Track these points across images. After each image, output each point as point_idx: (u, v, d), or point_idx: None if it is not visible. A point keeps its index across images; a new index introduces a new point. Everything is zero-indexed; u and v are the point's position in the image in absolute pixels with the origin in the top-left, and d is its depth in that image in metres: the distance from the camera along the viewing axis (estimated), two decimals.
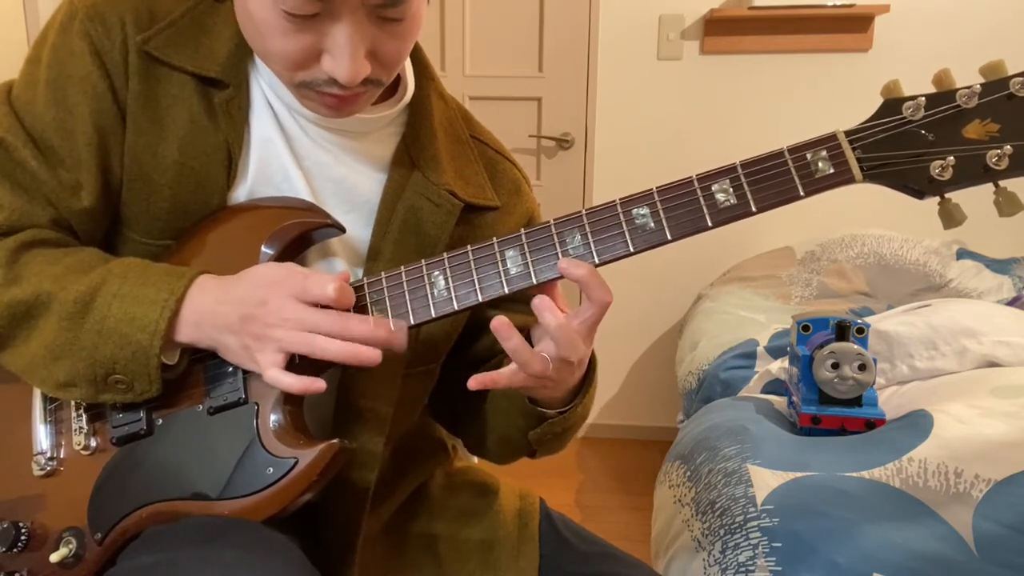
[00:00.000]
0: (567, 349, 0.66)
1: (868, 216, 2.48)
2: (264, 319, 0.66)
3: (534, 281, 0.67)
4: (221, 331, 0.67)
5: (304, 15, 0.63)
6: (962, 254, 2.35)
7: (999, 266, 2.30)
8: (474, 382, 0.69)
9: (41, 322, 0.68)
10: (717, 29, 2.49)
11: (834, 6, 2.36)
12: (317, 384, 0.66)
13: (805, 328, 1.32)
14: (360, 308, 0.70)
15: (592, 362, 0.77)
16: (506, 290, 0.68)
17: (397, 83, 0.81)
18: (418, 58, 0.82)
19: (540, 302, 0.66)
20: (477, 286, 0.68)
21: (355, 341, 0.66)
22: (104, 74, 0.71)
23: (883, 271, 2.29)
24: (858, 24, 2.44)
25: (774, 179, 0.63)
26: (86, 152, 0.71)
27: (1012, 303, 1.91)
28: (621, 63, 2.56)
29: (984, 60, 0.62)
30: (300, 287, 0.67)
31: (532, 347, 0.68)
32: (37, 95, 0.72)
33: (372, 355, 0.66)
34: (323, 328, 0.66)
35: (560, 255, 0.67)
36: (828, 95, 2.50)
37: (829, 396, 1.22)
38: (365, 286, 0.70)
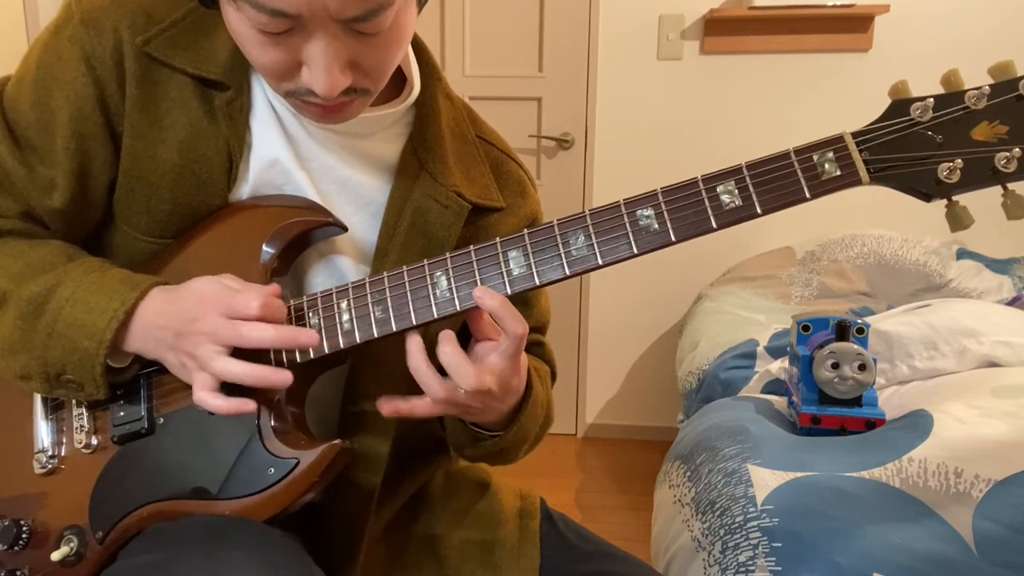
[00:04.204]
0: (460, 379, 0.66)
1: (868, 216, 2.48)
2: (193, 337, 0.66)
3: (537, 282, 0.67)
4: (160, 346, 0.68)
5: (277, 32, 0.62)
6: (962, 254, 2.35)
7: (999, 266, 2.30)
8: (387, 408, 0.69)
9: None
10: (717, 29, 2.49)
11: (834, 6, 2.36)
12: (246, 405, 0.66)
13: (805, 328, 1.32)
14: (362, 307, 0.70)
15: (529, 389, 0.76)
16: (509, 291, 0.67)
17: (403, 83, 0.80)
18: (424, 58, 0.82)
19: (410, 346, 0.67)
20: (480, 287, 0.68)
21: (270, 347, 0.67)
22: (92, 81, 0.70)
23: (883, 271, 2.29)
24: (858, 24, 2.44)
25: (780, 181, 0.63)
26: (63, 155, 0.71)
27: (1012, 303, 1.91)
28: (621, 63, 2.56)
29: (984, 59, 0.62)
30: (226, 304, 0.67)
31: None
32: (23, 93, 0.72)
33: (278, 378, 0.66)
34: (236, 343, 0.66)
35: (563, 256, 0.66)
36: (828, 95, 2.50)
37: (829, 396, 1.22)
38: (367, 286, 0.70)
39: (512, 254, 0.68)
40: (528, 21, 2.58)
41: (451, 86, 0.86)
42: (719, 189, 0.64)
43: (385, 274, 0.70)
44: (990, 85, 0.60)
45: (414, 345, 0.68)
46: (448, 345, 0.66)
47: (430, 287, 0.69)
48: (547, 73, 2.61)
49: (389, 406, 0.69)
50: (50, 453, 0.73)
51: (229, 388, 0.67)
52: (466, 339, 0.85)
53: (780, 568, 0.95)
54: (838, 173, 0.62)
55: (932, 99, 0.61)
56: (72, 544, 0.71)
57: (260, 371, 0.66)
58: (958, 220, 0.62)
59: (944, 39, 2.43)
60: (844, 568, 0.91)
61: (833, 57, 2.48)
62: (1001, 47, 2.40)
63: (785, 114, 2.53)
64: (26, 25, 2.18)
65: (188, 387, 0.70)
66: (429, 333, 0.78)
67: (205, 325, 0.66)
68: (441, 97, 0.82)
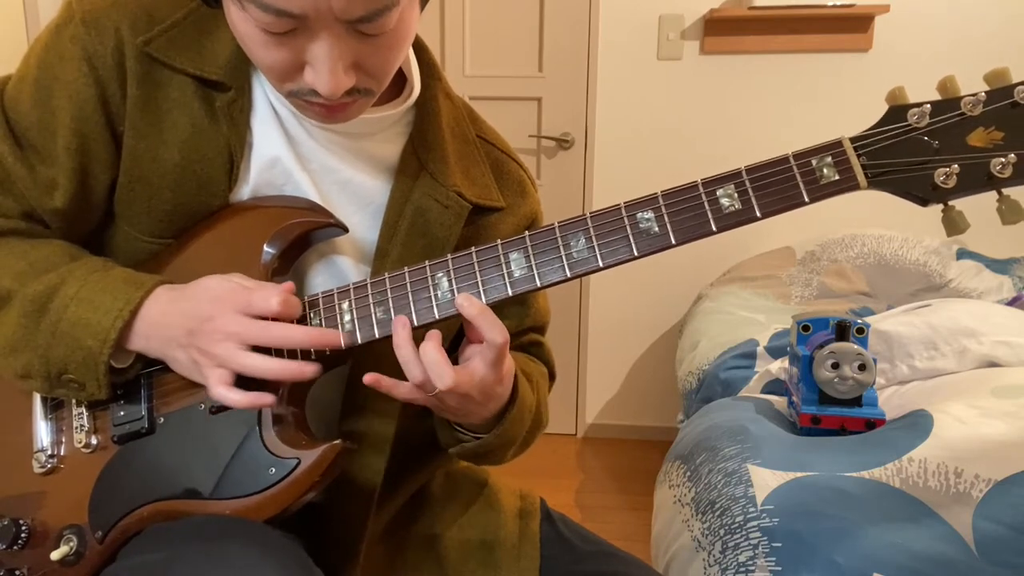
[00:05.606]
0: (435, 378, 0.65)
1: (868, 216, 2.48)
2: (209, 335, 0.66)
3: (538, 284, 0.67)
4: (169, 345, 0.68)
5: (281, 32, 0.62)
6: (962, 254, 2.35)
7: (999, 266, 2.30)
8: (369, 377, 0.68)
9: (1, 315, 0.70)
10: (717, 29, 2.49)
11: (834, 6, 2.36)
12: (265, 399, 0.66)
13: (805, 328, 1.32)
14: (363, 308, 0.70)
15: (515, 394, 0.76)
16: (509, 292, 0.67)
17: (403, 83, 0.80)
18: (424, 58, 0.82)
19: (396, 327, 0.67)
20: (481, 288, 0.68)
21: (298, 347, 0.67)
22: (93, 81, 0.70)
23: (883, 271, 2.29)
24: (858, 24, 2.44)
25: (779, 185, 0.63)
26: (64, 155, 0.71)
27: (1012, 303, 1.91)
28: (621, 63, 2.56)
29: (984, 60, 0.62)
30: (244, 302, 0.67)
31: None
32: (24, 92, 0.72)
33: (311, 370, 0.67)
34: (264, 342, 0.66)
35: (564, 258, 0.67)
36: (828, 95, 2.50)
37: (829, 396, 1.22)
38: (368, 286, 0.70)
39: (513, 256, 0.68)
40: (528, 21, 2.58)
41: (451, 86, 0.86)
42: (719, 192, 0.64)
43: (386, 275, 0.70)
44: (986, 91, 0.61)
45: (399, 325, 0.67)
46: (429, 343, 0.66)
47: (431, 288, 0.69)
48: (547, 73, 2.61)
49: (372, 376, 0.68)
50: (50, 452, 0.74)
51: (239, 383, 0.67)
52: (459, 344, 0.86)
53: (780, 568, 0.95)
54: (836, 178, 0.63)
55: (929, 105, 0.62)
56: (72, 544, 0.71)
57: (291, 364, 0.66)
58: (954, 224, 0.63)
59: (944, 39, 2.43)
60: (844, 568, 0.91)
61: (833, 57, 2.48)
62: (1001, 47, 2.40)
63: (785, 114, 2.53)
64: (26, 25, 2.18)
65: (190, 386, 0.71)
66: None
67: (225, 323, 0.66)
68: (441, 97, 0.82)
